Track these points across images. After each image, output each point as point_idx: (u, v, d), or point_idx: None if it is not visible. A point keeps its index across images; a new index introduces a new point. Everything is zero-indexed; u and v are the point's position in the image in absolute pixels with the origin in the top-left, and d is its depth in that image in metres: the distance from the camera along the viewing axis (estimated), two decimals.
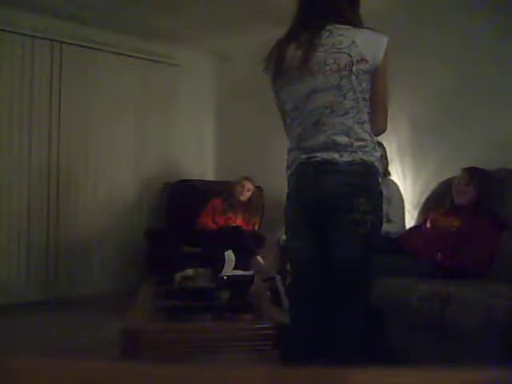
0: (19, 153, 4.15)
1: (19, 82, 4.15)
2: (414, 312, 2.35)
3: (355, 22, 1.68)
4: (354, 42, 1.61)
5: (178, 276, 2.77)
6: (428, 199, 3.36)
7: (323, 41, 1.64)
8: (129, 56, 4.77)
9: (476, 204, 2.85)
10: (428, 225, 3.01)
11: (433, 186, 3.38)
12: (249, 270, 3.82)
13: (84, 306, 3.98)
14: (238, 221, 4.28)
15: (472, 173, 2.89)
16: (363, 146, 1.64)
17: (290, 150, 1.79)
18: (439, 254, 2.75)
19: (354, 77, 1.61)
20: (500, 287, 2.31)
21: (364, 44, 1.61)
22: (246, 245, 3.86)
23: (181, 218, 4.44)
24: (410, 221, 3.47)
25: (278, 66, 1.71)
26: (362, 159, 1.63)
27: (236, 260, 2.90)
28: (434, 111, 3.58)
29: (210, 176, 5.29)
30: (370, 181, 1.67)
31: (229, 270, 2.76)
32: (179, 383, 0.30)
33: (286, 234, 1.91)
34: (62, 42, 4.34)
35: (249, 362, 1.91)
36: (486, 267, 2.68)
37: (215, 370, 0.30)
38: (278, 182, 4.69)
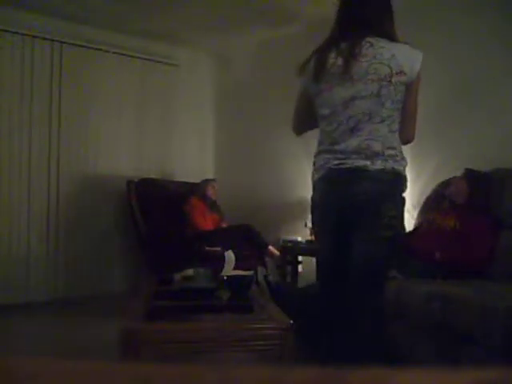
0: (19, 152, 4.16)
1: (19, 82, 4.15)
2: (414, 312, 2.35)
3: (393, 36, 1.76)
4: (394, 55, 1.69)
5: (177, 276, 2.77)
6: (428, 199, 3.37)
7: (364, 51, 1.71)
8: (129, 56, 4.77)
9: (474, 203, 2.87)
10: (426, 224, 3.02)
11: (432, 186, 3.38)
12: (265, 261, 3.99)
13: (84, 306, 3.98)
14: (218, 220, 4.40)
15: (470, 172, 2.94)
16: (393, 155, 1.72)
17: (318, 153, 1.82)
18: (437, 254, 2.76)
19: (392, 87, 1.69)
20: (500, 287, 2.32)
21: (403, 58, 1.70)
22: (260, 240, 4.08)
23: (156, 215, 4.42)
24: (410, 221, 3.47)
25: (318, 72, 1.76)
26: (392, 168, 1.71)
27: (251, 256, 2.94)
28: (434, 111, 3.57)
29: (209, 175, 5.28)
30: (398, 188, 1.77)
31: (229, 270, 2.76)
32: (179, 383, 0.30)
33: (314, 236, 2.01)
34: (62, 42, 4.35)
35: (249, 362, 1.91)
36: (484, 266, 2.69)
37: (215, 369, 0.29)
38: (276, 182, 4.71)
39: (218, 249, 3.82)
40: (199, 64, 5.35)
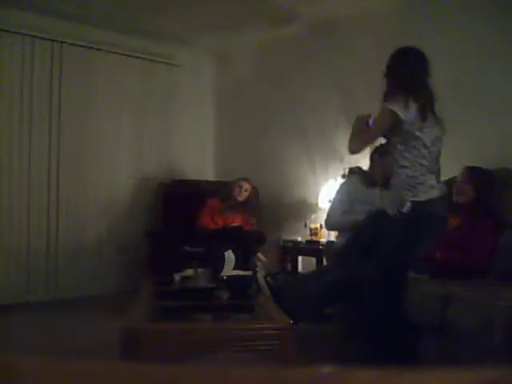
0: (19, 152, 4.15)
1: (19, 82, 4.15)
2: (414, 312, 2.35)
3: None
4: None
5: (177, 276, 2.77)
6: None
7: None
8: (129, 56, 4.76)
9: (475, 203, 2.85)
10: None
11: None
12: (250, 268, 3.88)
13: (84, 306, 3.98)
14: (237, 221, 4.28)
15: (471, 171, 2.89)
16: None
17: (423, 172, 2.35)
18: (438, 254, 2.75)
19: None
20: (500, 287, 2.32)
21: None
22: (247, 244, 3.89)
23: (178, 217, 4.42)
24: None
25: (426, 113, 2.36)
26: None
27: (237, 259, 2.91)
28: None
29: (209, 176, 5.28)
30: None
31: (229, 270, 2.76)
32: (179, 383, 0.30)
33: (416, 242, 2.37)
34: (62, 42, 4.34)
35: (249, 362, 1.91)
36: (484, 266, 2.68)
37: (215, 369, 0.30)
38: (276, 182, 4.71)
39: (199, 249, 3.80)
40: (199, 64, 5.35)
